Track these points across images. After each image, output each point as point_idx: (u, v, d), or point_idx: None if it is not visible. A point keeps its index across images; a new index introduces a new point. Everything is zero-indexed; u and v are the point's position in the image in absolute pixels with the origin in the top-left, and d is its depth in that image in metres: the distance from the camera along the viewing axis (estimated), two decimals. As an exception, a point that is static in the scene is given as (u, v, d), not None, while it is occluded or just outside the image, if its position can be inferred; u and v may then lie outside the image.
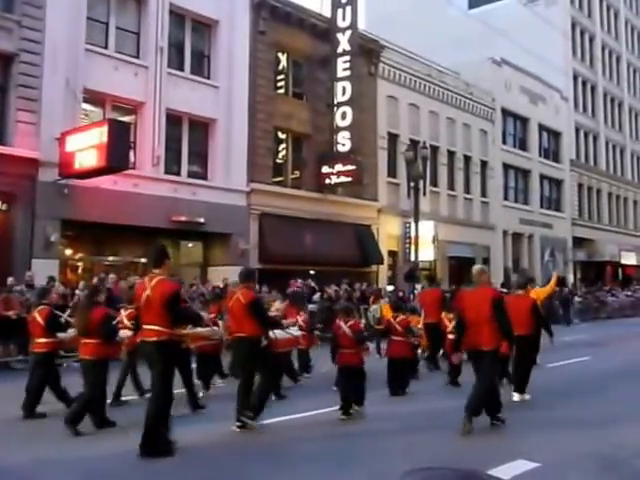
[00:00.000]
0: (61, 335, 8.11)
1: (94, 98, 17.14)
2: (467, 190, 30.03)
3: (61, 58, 16.09)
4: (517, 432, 7.04)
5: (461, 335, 7.33)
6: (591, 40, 42.71)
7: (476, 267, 7.65)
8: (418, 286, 22.28)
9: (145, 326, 6.28)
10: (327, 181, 22.34)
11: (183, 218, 18.09)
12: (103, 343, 7.28)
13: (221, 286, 17.68)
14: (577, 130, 39.95)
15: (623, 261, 41.67)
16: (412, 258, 23.25)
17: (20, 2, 15.55)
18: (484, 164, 31.22)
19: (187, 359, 8.44)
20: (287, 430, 7.31)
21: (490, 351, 6.99)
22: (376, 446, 6.48)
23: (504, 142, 33.07)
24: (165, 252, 6.56)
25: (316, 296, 19.34)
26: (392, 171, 25.91)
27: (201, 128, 19.67)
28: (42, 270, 14.60)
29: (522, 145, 34.77)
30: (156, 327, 6.18)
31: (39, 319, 8.05)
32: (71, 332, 8.09)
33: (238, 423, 7.06)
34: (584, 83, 41.43)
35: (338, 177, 22.13)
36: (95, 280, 16.03)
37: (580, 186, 39.63)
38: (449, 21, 36.99)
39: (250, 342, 7.12)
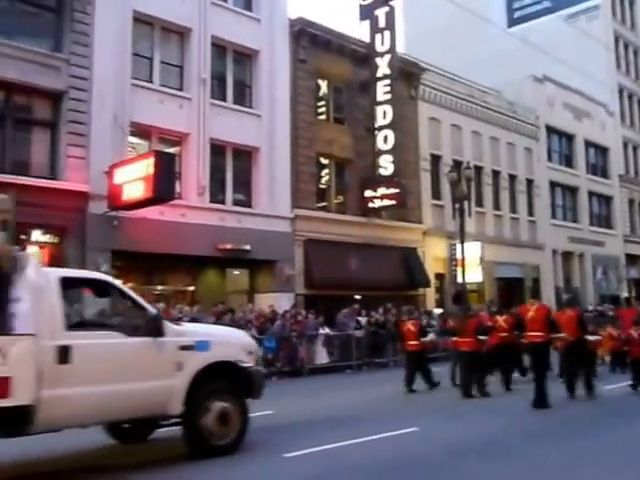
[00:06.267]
0: (423, 339, 13.14)
1: (140, 131, 17.52)
2: (513, 210, 29.51)
3: (108, 93, 16.53)
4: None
5: None
6: (635, 53, 41.86)
7: None
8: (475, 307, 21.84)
9: (532, 332, 10.49)
10: (371, 205, 22.26)
11: (229, 246, 18.19)
12: (475, 341, 11.72)
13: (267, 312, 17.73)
14: (625, 145, 38.97)
15: (680, 278, 40.15)
16: (459, 280, 22.85)
17: (69, 42, 16.09)
18: (530, 183, 30.67)
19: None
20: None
21: None
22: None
23: (550, 159, 32.47)
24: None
25: (363, 321, 19.17)
26: (436, 193, 25.67)
27: (245, 157, 19.88)
28: (93, 301, 14.79)
29: (568, 162, 34.07)
30: (540, 333, 10.40)
31: (412, 328, 13.04)
32: (429, 338, 13.93)
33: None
34: (630, 96, 40.51)
35: (382, 201, 22.04)
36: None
37: (631, 202, 38.51)
38: (489, 40, 36.76)
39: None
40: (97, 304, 7.61)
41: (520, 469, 6.51)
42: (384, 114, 22.20)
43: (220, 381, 7.27)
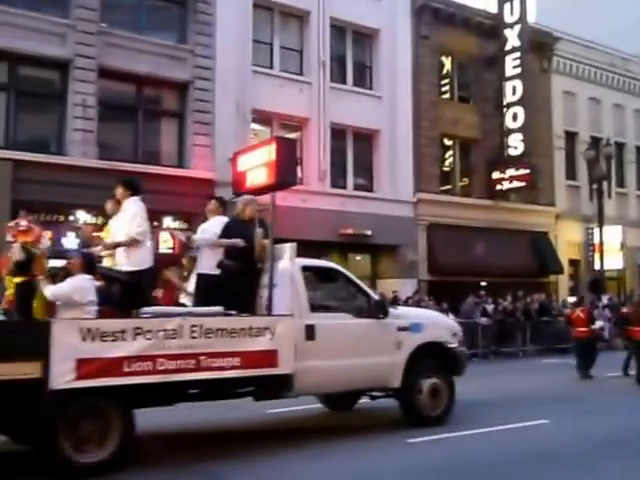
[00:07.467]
0: (593, 326, 13.04)
1: (262, 117, 17.68)
2: (661, 189, 27.04)
3: (231, 82, 16.80)
4: None
5: None
6: None
7: None
8: (604, 297, 20.38)
9: None
10: (498, 187, 21.31)
11: (350, 231, 18.04)
12: None
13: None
14: None
15: None
16: (597, 267, 21.40)
17: (193, 32, 16.49)
18: (681, 159, 27.89)
19: None
20: None
21: None
22: None
23: None
24: None
25: (489, 309, 18.36)
26: (571, 173, 24.05)
27: (365, 140, 19.55)
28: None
29: None
30: None
31: (582, 315, 12.81)
32: (600, 324, 14.01)
33: None
34: None
35: (510, 182, 21.05)
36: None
37: None
38: (631, 1, 33.67)
39: None
40: (328, 288, 8.42)
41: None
42: (513, 90, 21.07)
43: (431, 359, 8.10)
